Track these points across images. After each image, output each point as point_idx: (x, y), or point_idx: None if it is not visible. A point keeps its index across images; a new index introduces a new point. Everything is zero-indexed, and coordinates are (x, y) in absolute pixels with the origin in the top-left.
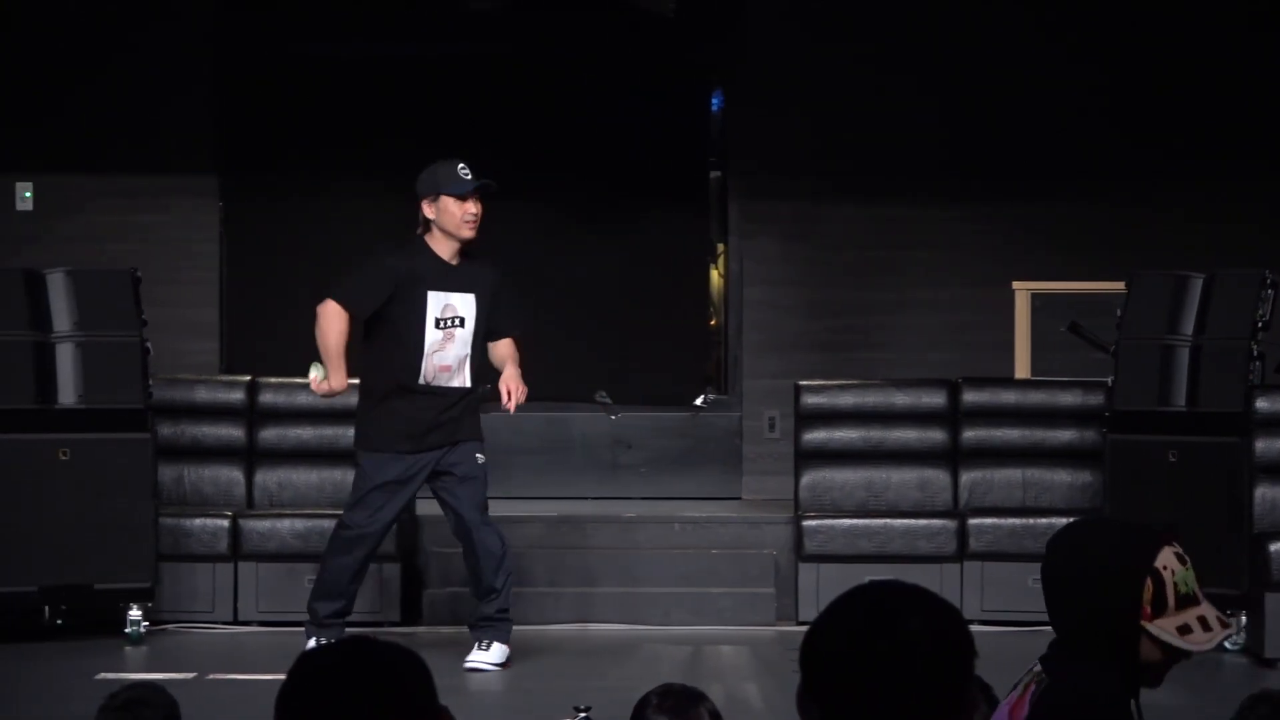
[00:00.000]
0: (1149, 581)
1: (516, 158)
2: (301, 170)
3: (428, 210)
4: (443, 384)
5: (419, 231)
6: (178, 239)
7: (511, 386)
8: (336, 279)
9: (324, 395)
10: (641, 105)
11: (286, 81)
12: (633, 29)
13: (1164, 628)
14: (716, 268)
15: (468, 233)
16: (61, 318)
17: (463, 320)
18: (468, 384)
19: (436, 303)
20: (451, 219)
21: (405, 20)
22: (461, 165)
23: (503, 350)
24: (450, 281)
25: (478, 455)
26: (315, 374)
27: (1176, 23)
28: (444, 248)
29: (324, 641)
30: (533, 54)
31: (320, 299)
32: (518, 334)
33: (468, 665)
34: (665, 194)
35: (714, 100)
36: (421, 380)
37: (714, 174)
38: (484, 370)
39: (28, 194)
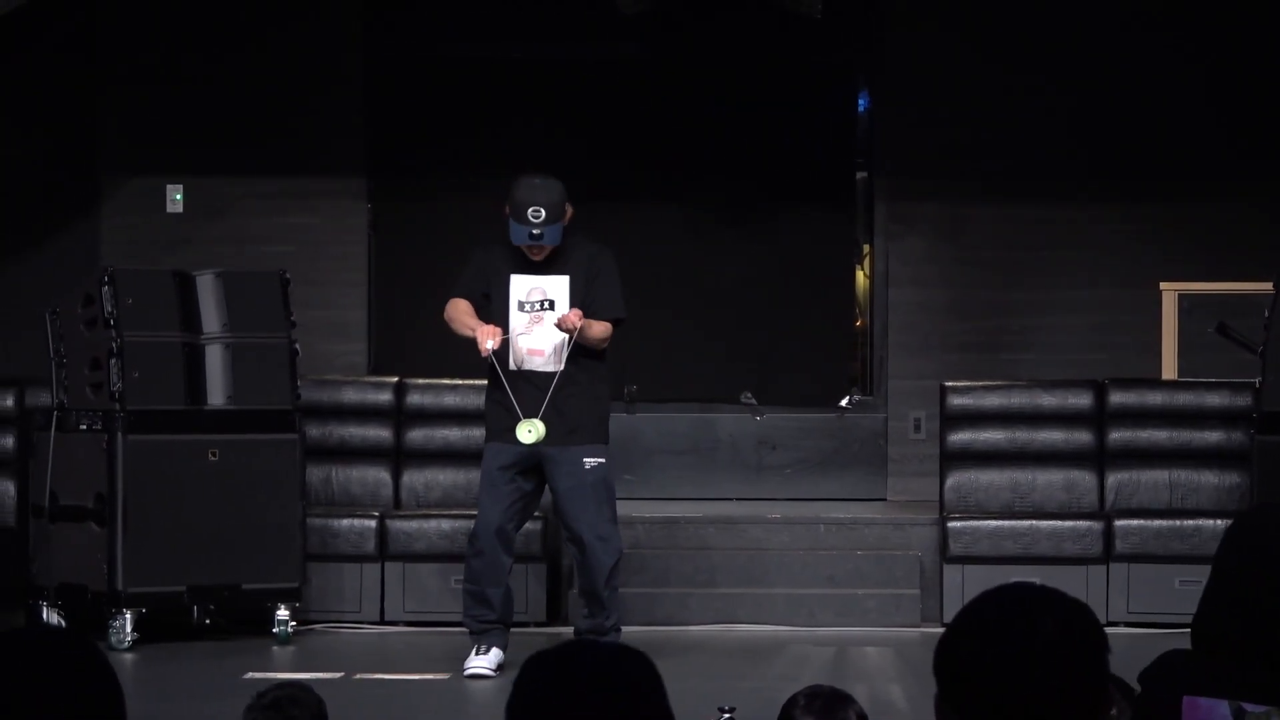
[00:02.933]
0: None
1: (662, 159)
2: (449, 171)
3: (507, 212)
4: (535, 368)
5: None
6: (326, 241)
7: (569, 313)
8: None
9: (488, 354)
10: (787, 106)
11: (434, 82)
12: (779, 30)
13: None
14: (862, 268)
15: (533, 259)
16: (211, 319)
17: (552, 303)
18: (563, 366)
19: (520, 286)
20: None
21: (553, 21)
22: (533, 210)
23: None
24: (536, 265)
25: (586, 460)
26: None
27: None
28: None
29: (481, 648)
30: (679, 56)
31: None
32: (609, 318)
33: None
34: (811, 195)
35: (860, 101)
36: (512, 364)
37: (860, 175)
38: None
39: (178, 196)
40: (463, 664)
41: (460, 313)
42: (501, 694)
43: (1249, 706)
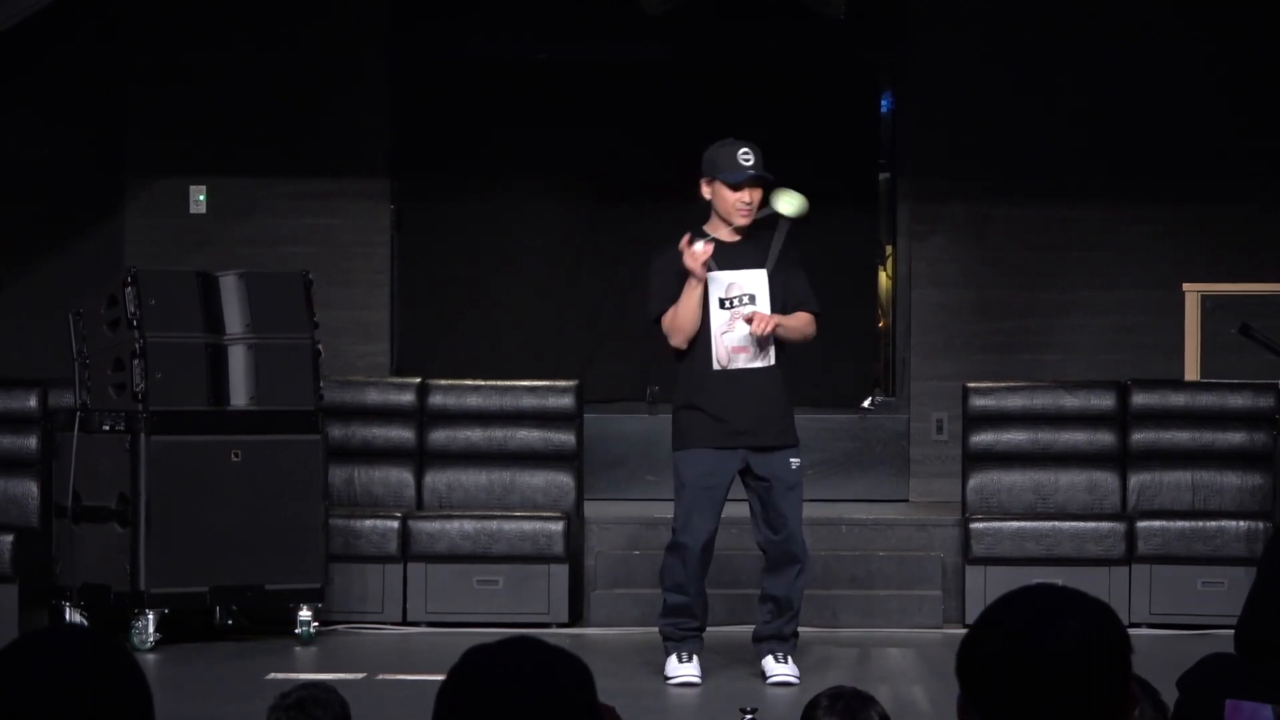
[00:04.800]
0: None
1: (685, 159)
2: (473, 172)
3: (705, 191)
4: (741, 365)
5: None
6: (350, 241)
7: (764, 316)
8: (644, 303)
9: (705, 258)
10: (811, 107)
11: (458, 83)
12: (803, 31)
13: None
14: (885, 269)
15: (740, 220)
16: (234, 320)
17: (753, 297)
18: (772, 361)
19: (718, 283)
20: (725, 204)
21: (578, 22)
22: (744, 150)
23: (792, 318)
24: (731, 260)
25: (792, 460)
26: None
27: None
28: (722, 229)
29: (682, 656)
30: (703, 56)
31: (653, 321)
32: (812, 310)
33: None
34: (834, 196)
35: (883, 101)
36: (716, 364)
37: (883, 175)
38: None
39: (201, 197)
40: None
41: (675, 318)
42: None
43: None
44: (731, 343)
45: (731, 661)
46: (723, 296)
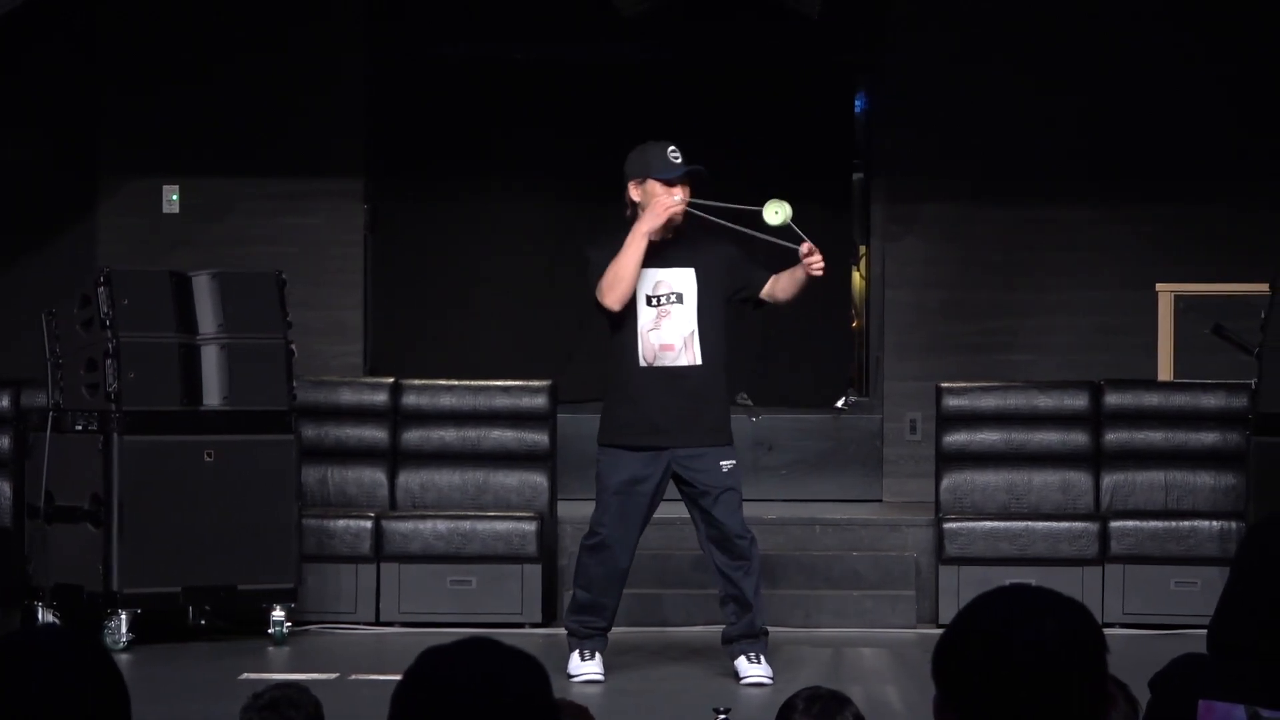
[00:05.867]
0: None
1: None
2: (447, 172)
3: (634, 193)
4: (667, 363)
5: (626, 214)
6: (323, 241)
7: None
8: (589, 277)
9: (677, 208)
10: (785, 107)
11: (434, 83)
12: (777, 32)
13: None
14: (859, 269)
15: (674, 216)
16: (207, 320)
17: (680, 296)
18: (698, 360)
19: (645, 281)
20: (660, 202)
21: (553, 23)
22: (672, 148)
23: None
24: (659, 259)
25: (723, 464)
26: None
27: None
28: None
29: (585, 654)
30: (678, 56)
31: (598, 308)
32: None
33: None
34: (808, 195)
35: (857, 101)
36: (642, 361)
37: (857, 176)
38: (729, 377)
39: (175, 196)
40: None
41: (612, 263)
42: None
43: (1265, 712)
44: (658, 340)
45: (704, 661)
46: (650, 294)
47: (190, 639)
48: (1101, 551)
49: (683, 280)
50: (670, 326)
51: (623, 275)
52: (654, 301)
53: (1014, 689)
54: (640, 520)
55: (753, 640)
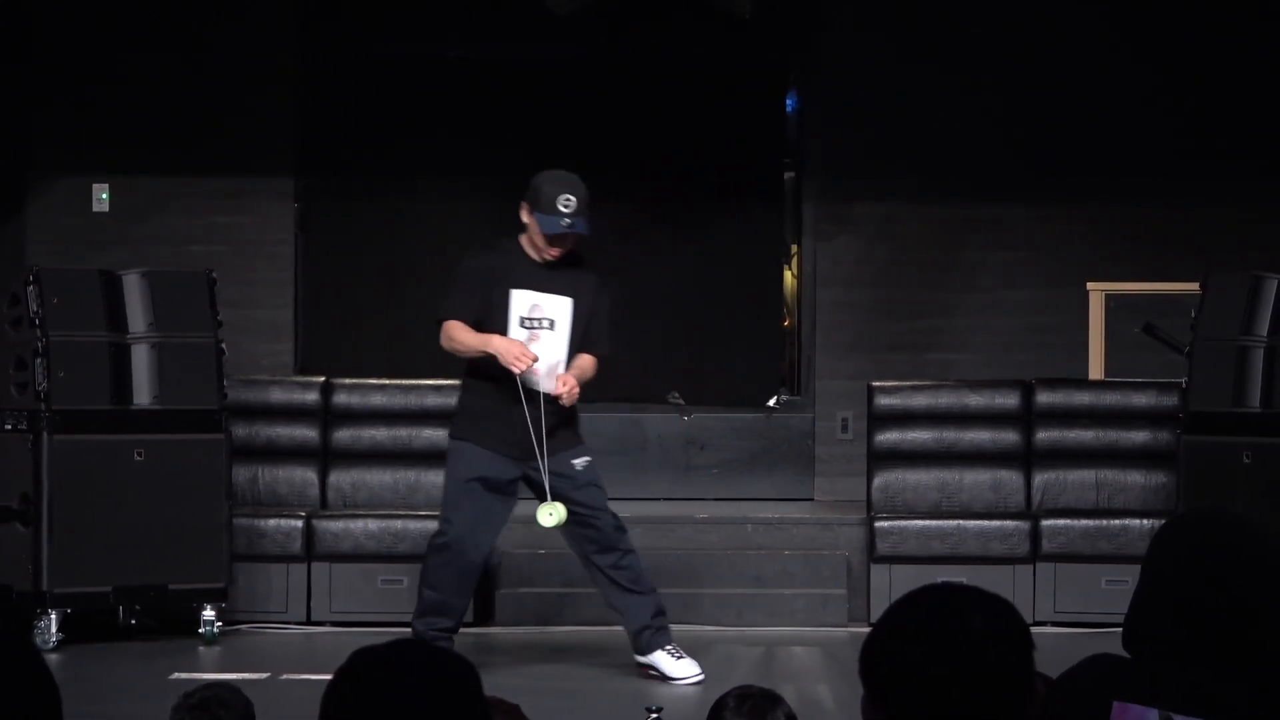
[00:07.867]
0: None
1: (592, 159)
2: (378, 172)
3: (523, 214)
4: (532, 385)
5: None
6: (254, 240)
7: (566, 378)
8: (438, 301)
9: (526, 366)
10: (716, 106)
11: (366, 82)
12: (708, 31)
13: None
14: (790, 268)
15: (548, 257)
16: (137, 319)
17: (552, 323)
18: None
19: (522, 301)
20: (535, 240)
21: (485, 22)
22: (566, 196)
23: (579, 362)
24: (540, 282)
25: (575, 461)
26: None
27: (1253, 21)
28: (534, 251)
29: None
30: (609, 56)
31: (436, 325)
32: (601, 353)
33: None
34: (740, 195)
35: (789, 101)
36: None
37: (788, 175)
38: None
39: (105, 195)
40: None
41: (462, 333)
42: None
43: (1179, 717)
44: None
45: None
46: (525, 316)
47: (120, 639)
48: (1033, 550)
49: (558, 308)
50: (539, 350)
51: (456, 350)
52: (527, 324)
53: (940, 686)
54: (491, 528)
55: (660, 632)
